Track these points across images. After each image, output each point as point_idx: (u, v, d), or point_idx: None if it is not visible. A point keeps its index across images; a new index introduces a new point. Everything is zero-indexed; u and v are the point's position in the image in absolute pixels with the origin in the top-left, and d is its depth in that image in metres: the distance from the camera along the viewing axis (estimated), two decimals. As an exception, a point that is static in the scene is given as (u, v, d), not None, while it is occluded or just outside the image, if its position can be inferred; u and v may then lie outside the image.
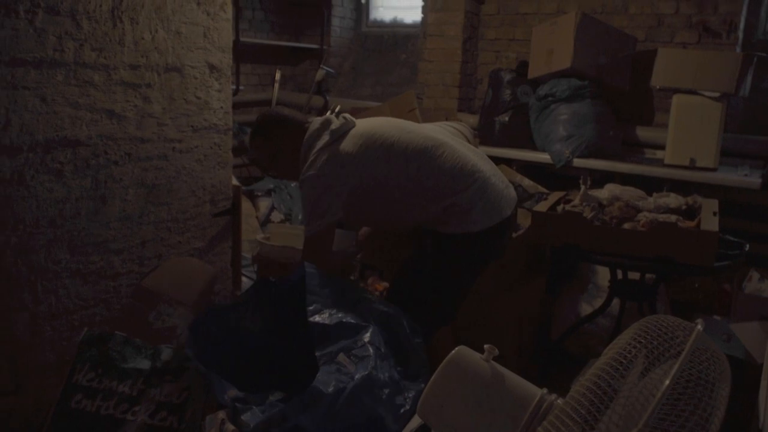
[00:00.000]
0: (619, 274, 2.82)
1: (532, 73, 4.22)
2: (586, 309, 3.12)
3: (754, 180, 3.49)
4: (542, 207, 2.76)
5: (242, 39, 5.11)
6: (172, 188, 2.20)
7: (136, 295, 2.09)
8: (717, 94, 3.54)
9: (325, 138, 2.09)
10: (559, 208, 2.75)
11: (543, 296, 2.81)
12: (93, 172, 1.95)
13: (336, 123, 2.14)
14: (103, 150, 1.96)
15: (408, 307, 1.87)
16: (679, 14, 4.10)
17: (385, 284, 2.46)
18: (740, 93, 3.58)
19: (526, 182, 3.51)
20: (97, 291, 2.02)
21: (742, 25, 3.97)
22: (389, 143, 2.07)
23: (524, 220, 2.81)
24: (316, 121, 2.17)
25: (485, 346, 1.19)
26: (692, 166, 3.61)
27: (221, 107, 2.34)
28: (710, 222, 2.46)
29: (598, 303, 2.99)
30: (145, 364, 1.71)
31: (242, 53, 5.09)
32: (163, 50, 2.08)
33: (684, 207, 2.70)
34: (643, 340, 0.88)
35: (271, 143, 2.22)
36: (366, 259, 2.66)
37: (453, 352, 1.21)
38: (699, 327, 0.87)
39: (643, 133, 4.15)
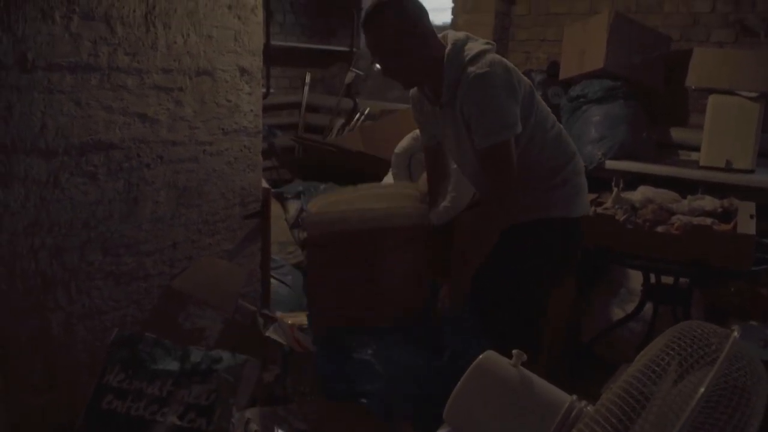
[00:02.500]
0: (652, 278, 2.77)
1: (564, 73, 4.16)
2: (617, 313, 3.06)
3: (793, 182, 3.40)
4: (573, 209, 2.71)
5: (273, 42, 5.14)
6: (202, 190, 2.22)
7: (166, 296, 2.12)
8: (755, 94, 3.45)
9: (481, 45, 1.87)
10: (591, 210, 2.71)
11: (573, 299, 2.77)
12: (126, 175, 1.97)
13: (482, 41, 1.91)
14: (135, 153, 1.99)
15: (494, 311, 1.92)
16: (715, 12, 4.01)
17: None
18: (779, 93, 3.49)
19: (557, 184, 3.45)
20: (128, 292, 2.05)
21: (781, 24, 3.87)
22: (531, 88, 1.94)
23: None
24: (451, 33, 1.99)
25: (513, 351, 1.18)
26: (728, 168, 3.52)
27: (251, 110, 2.35)
28: (747, 225, 2.40)
29: (630, 307, 2.94)
30: (174, 365, 1.73)
31: (273, 56, 5.12)
32: (194, 54, 2.10)
33: (719, 210, 2.65)
34: (676, 347, 0.86)
35: (399, 26, 1.93)
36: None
37: (480, 356, 1.20)
38: (735, 334, 0.85)
39: (677, 134, 4.06)
